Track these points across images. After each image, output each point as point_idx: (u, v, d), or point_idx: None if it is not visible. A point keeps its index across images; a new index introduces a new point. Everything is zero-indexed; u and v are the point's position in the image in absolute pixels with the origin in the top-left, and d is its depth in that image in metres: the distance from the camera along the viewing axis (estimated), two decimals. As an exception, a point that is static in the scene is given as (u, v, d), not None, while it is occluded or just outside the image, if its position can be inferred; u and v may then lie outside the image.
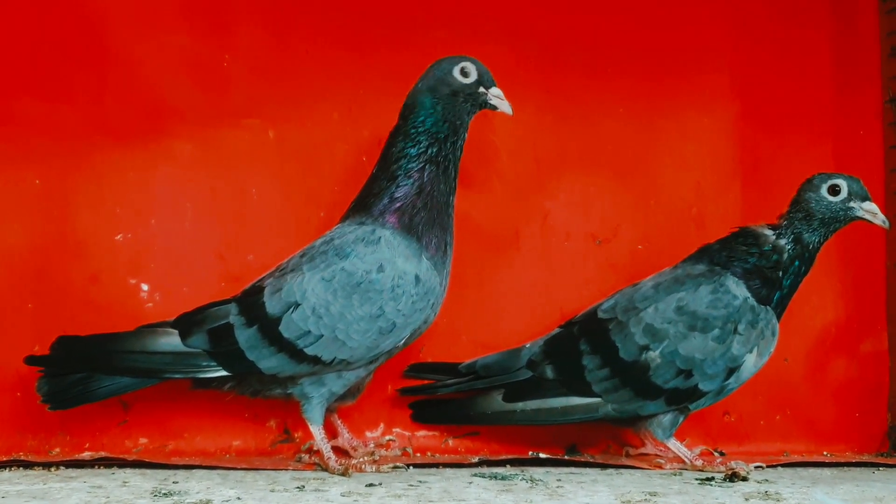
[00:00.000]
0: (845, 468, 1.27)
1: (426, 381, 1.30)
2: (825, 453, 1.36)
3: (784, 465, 1.26)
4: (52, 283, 1.28)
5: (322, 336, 1.11)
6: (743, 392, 1.35)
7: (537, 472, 1.16)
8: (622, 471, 1.20)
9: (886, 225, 1.20)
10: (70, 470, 1.15)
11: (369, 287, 1.10)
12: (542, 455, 1.28)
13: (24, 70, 1.29)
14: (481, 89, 1.15)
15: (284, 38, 1.34)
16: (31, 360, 1.16)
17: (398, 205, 1.13)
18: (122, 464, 1.19)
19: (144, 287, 1.30)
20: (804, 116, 1.41)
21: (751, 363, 1.19)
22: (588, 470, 1.20)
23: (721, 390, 1.20)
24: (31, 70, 1.29)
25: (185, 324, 1.15)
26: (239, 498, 0.96)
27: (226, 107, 1.32)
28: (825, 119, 1.42)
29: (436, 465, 1.22)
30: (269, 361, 1.13)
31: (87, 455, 1.22)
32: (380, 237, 1.12)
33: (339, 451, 1.22)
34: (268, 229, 1.32)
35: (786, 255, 1.20)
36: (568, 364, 1.22)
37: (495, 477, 1.11)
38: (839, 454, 1.36)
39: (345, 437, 1.24)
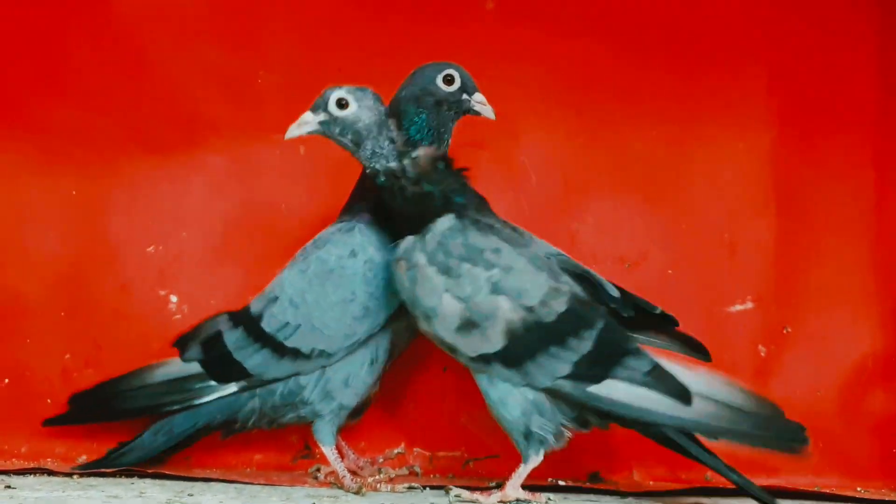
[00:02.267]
0: (878, 505, 1.23)
1: None
2: (859, 489, 1.32)
3: (812, 499, 1.22)
4: (83, 292, 1.31)
5: (300, 326, 1.13)
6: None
7: (555, 498, 1.15)
8: (642, 499, 1.17)
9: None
10: (91, 479, 1.17)
11: (342, 273, 1.13)
12: (560, 482, 1.26)
13: (62, 81, 1.32)
14: (465, 96, 1.15)
15: (316, 55, 1.35)
16: (49, 422, 1.23)
17: (373, 206, 1.15)
18: (143, 474, 1.20)
19: (173, 299, 1.32)
20: (843, 142, 1.37)
21: None
22: (606, 498, 1.18)
23: None
24: (69, 81, 1.32)
25: (183, 339, 1.19)
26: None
27: (258, 121, 1.34)
28: (865, 145, 1.38)
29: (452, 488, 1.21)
30: (254, 359, 1.15)
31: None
32: (354, 226, 1.15)
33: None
34: (296, 243, 1.31)
35: None
36: None
37: (511, 500, 1.09)
38: (874, 490, 1.31)
39: (350, 458, 1.24)
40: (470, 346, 1.05)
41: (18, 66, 1.32)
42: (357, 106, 1.08)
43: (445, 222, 1.07)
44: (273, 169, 1.34)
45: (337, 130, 1.09)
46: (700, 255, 1.36)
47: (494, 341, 1.04)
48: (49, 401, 1.28)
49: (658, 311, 1.11)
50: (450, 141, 1.16)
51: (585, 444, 1.31)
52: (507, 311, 1.04)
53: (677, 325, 1.13)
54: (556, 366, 1.04)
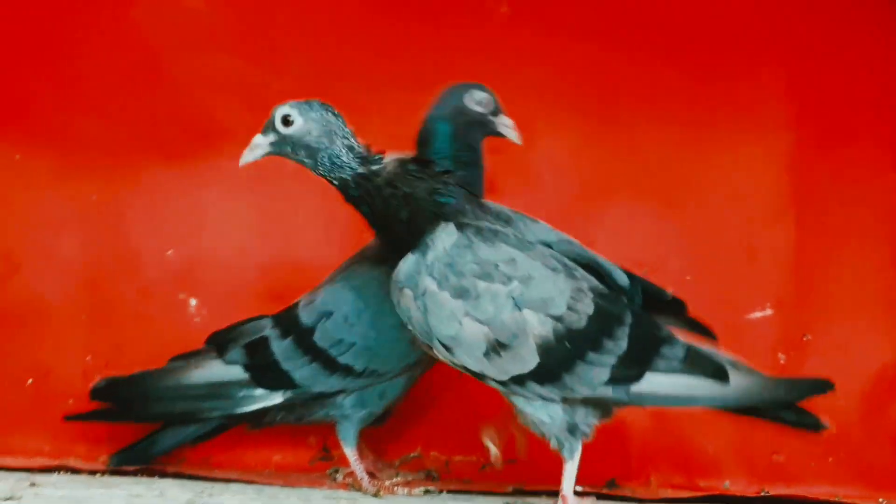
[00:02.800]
0: (900, 516, 1.22)
1: None
2: (881, 500, 1.29)
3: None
4: (104, 295, 1.32)
5: (354, 344, 1.12)
6: (793, 431, 1.31)
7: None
8: (658, 508, 1.17)
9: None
10: (114, 477, 1.19)
11: None
12: (577, 489, 1.26)
13: (81, 91, 1.34)
14: (490, 117, 1.16)
15: (329, 59, 1.36)
16: (73, 418, 1.22)
17: None
18: (163, 474, 1.22)
19: (192, 302, 1.33)
20: (864, 146, 1.35)
21: None
22: (620, 505, 1.18)
23: None
24: (88, 91, 1.34)
25: (221, 340, 1.18)
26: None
27: (273, 128, 1.35)
28: (886, 148, 1.35)
29: (468, 492, 1.21)
30: (303, 371, 1.14)
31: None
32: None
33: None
34: (312, 249, 1.34)
35: None
36: None
37: None
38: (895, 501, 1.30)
39: (369, 460, 1.24)
40: (501, 369, 0.98)
41: (37, 78, 1.34)
42: (303, 120, 1.03)
43: (447, 237, 0.99)
44: (289, 173, 1.33)
45: (289, 149, 1.03)
46: (718, 260, 1.34)
47: (528, 360, 0.98)
48: (71, 401, 1.30)
49: (669, 297, 1.08)
50: (482, 162, 1.16)
51: (602, 451, 1.31)
52: (535, 326, 0.97)
53: (686, 308, 1.10)
54: (596, 373, 0.99)
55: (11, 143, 1.33)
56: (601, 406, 1.04)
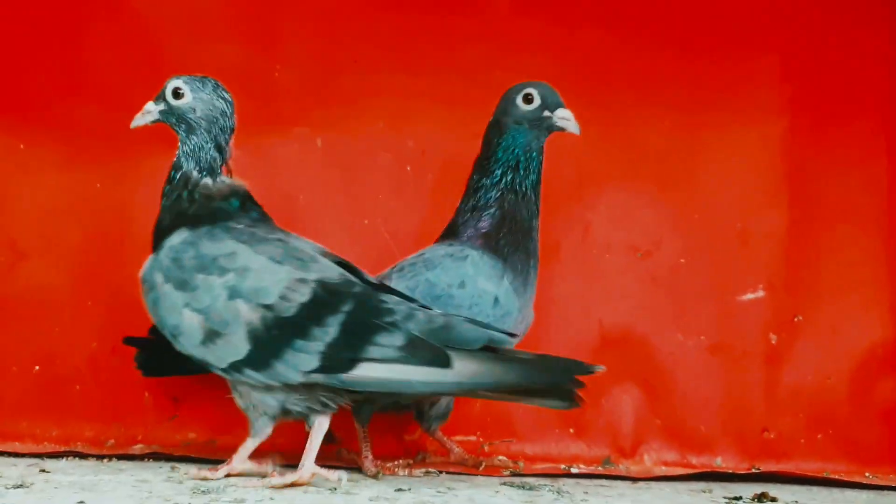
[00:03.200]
0: (886, 491, 1.25)
1: None
2: (867, 475, 1.33)
3: (820, 485, 1.25)
4: (109, 283, 1.33)
5: None
6: (783, 409, 1.35)
7: (567, 482, 1.18)
8: (651, 485, 1.20)
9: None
10: (121, 462, 1.21)
11: (448, 301, 1.13)
12: (573, 469, 1.29)
13: (84, 80, 1.35)
14: (546, 113, 1.17)
15: (332, 48, 1.37)
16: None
17: (484, 231, 1.17)
18: (170, 457, 1.24)
19: (195, 288, 1.35)
20: (857, 130, 1.38)
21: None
22: (618, 483, 1.20)
23: None
24: (90, 80, 1.35)
25: None
26: (272, 498, 0.99)
27: (276, 115, 1.36)
28: (879, 133, 1.38)
29: (468, 474, 1.24)
30: None
31: (138, 449, 1.28)
32: (467, 255, 1.16)
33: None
34: (313, 235, 1.33)
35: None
36: None
37: (523, 487, 1.12)
38: (882, 476, 1.33)
39: (455, 453, 1.25)
40: (218, 357, 1.04)
41: (40, 67, 1.35)
42: (192, 97, 1.09)
43: (177, 237, 1.08)
44: (290, 162, 1.37)
45: (173, 120, 1.10)
46: (712, 243, 1.37)
47: (240, 347, 1.02)
48: (78, 387, 1.32)
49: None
50: (542, 159, 1.18)
51: (596, 431, 1.35)
52: (246, 314, 1.02)
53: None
54: (303, 360, 1.01)
55: (15, 133, 1.34)
56: (335, 391, 1.05)
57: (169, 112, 1.10)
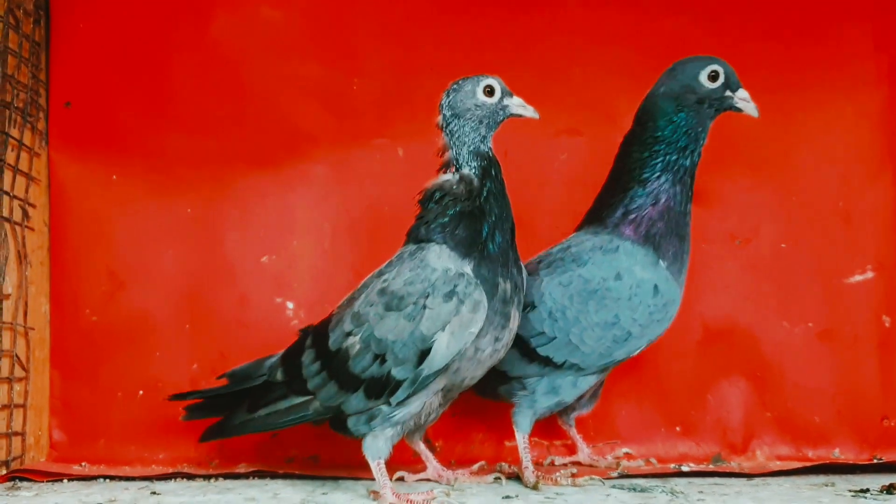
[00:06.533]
0: None
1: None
2: None
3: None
4: (205, 305, 1.36)
5: (555, 338, 1.12)
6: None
7: (680, 483, 1.14)
8: (769, 481, 1.15)
9: (535, 115, 1.09)
10: (227, 481, 1.22)
11: (606, 294, 1.10)
12: (684, 468, 1.25)
13: (170, 107, 1.37)
14: (728, 93, 1.12)
15: (408, 56, 1.37)
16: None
17: (633, 216, 1.12)
18: (275, 475, 1.25)
19: (290, 305, 1.36)
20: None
21: (443, 344, 1.02)
22: (733, 480, 1.16)
23: (416, 379, 1.04)
24: (176, 107, 1.37)
25: None
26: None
27: (356, 128, 1.37)
28: None
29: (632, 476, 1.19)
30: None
31: (242, 468, 1.29)
32: (618, 246, 1.12)
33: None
34: (400, 245, 1.34)
35: (476, 181, 1.07)
36: (292, 363, 1.14)
37: (634, 489, 1.09)
38: None
39: (584, 452, 1.24)
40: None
41: (129, 98, 1.38)
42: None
43: None
44: (373, 173, 1.37)
45: None
46: (814, 225, 1.32)
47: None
48: (181, 409, 1.34)
49: None
50: (705, 142, 1.13)
51: (704, 428, 1.31)
52: None
53: None
54: None
55: (108, 165, 1.37)
56: None
57: None
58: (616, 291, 1.09)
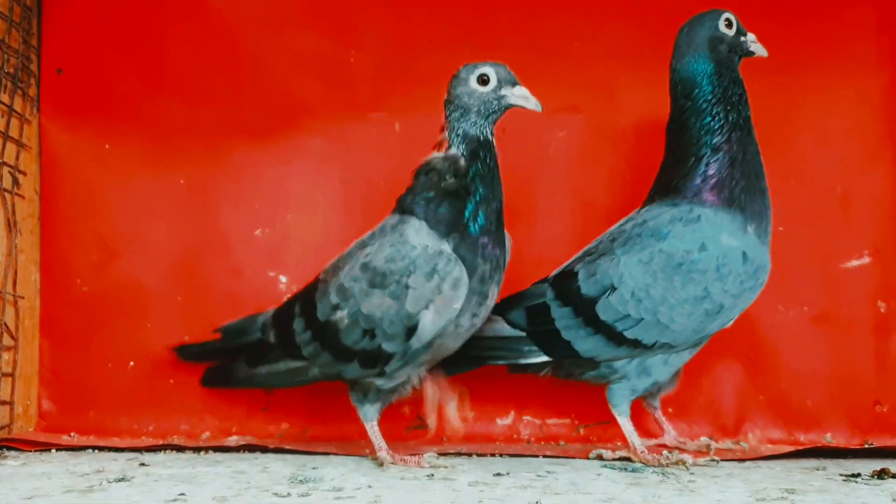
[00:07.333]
0: None
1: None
2: None
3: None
4: (198, 277, 1.35)
5: (642, 319, 1.09)
6: (896, 380, 1.28)
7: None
8: (760, 464, 1.15)
9: (539, 108, 1.08)
10: (217, 454, 1.22)
11: (692, 268, 1.07)
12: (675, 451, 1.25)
13: (165, 77, 1.36)
14: (742, 38, 1.13)
15: (406, 30, 1.35)
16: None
17: (714, 181, 1.10)
18: (265, 449, 1.24)
19: (283, 279, 1.35)
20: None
21: (429, 320, 1.05)
22: (725, 463, 1.16)
23: (406, 352, 1.08)
24: (171, 77, 1.36)
25: (505, 302, 1.17)
26: (370, 486, 0.98)
27: (353, 101, 1.35)
28: None
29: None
30: (586, 343, 1.12)
31: (232, 441, 1.29)
32: (699, 215, 1.09)
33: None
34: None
35: (462, 161, 1.08)
36: (284, 329, 1.16)
37: (625, 469, 1.09)
38: None
39: (671, 435, 1.22)
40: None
41: (122, 68, 1.36)
42: None
43: None
44: (369, 147, 1.36)
45: None
46: (811, 209, 1.31)
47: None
48: (172, 381, 1.34)
49: None
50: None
51: (696, 410, 1.31)
52: None
53: None
54: None
55: (100, 133, 1.36)
56: None
57: None
58: (702, 263, 1.06)
